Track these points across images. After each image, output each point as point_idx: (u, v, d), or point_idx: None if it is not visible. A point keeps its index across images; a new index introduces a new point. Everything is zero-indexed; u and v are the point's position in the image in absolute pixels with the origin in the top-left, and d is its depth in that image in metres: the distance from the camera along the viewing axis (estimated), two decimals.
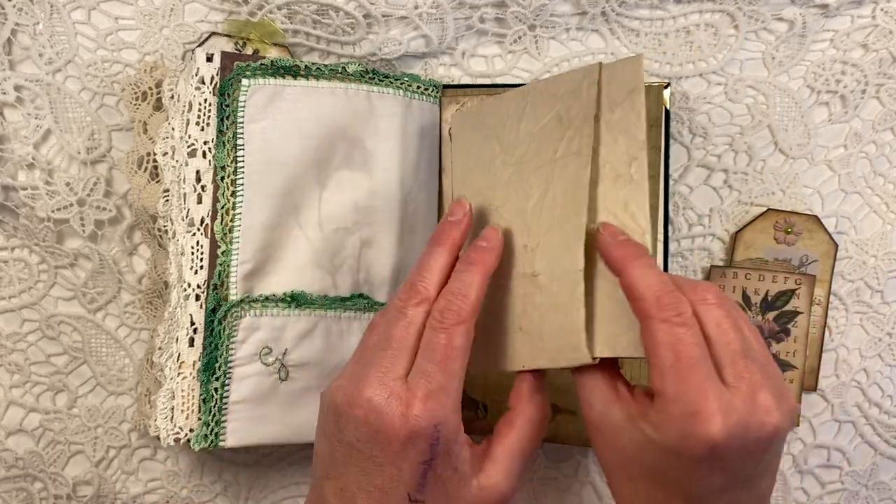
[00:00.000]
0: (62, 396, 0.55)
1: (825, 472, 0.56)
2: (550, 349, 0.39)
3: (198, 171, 0.48)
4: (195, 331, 0.47)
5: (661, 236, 0.51)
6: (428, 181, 0.52)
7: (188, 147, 0.48)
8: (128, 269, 0.53)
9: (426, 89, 0.51)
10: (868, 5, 0.51)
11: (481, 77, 0.53)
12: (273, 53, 0.50)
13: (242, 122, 0.47)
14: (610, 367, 0.38)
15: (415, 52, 0.51)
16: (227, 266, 0.47)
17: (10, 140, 0.51)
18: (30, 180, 0.51)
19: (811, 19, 0.52)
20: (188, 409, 0.47)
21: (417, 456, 0.36)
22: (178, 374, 0.47)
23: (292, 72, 0.48)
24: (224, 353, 0.47)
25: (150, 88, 0.51)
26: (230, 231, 0.47)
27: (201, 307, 0.47)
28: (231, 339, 0.47)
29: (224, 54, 0.48)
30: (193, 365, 0.47)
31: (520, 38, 0.52)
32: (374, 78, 0.49)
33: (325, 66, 0.49)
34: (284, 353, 0.48)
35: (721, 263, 0.55)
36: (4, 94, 0.50)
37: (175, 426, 0.47)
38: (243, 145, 0.47)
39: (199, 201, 0.48)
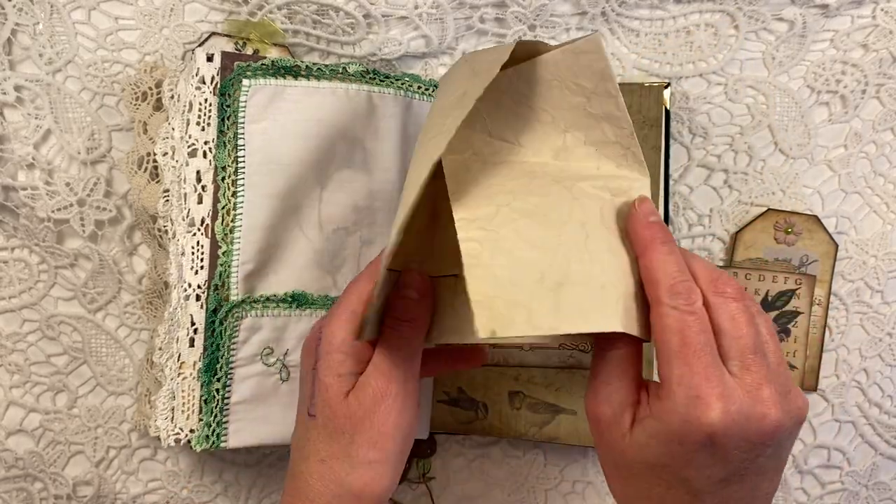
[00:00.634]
0: (62, 396, 0.55)
1: (825, 472, 0.56)
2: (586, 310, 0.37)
3: (198, 172, 0.48)
4: (195, 331, 0.47)
5: None
6: None
7: (189, 147, 0.48)
8: (128, 269, 0.53)
9: (426, 89, 0.51)
10: (868, 5, 0.51)
11: None
12: (273, 53, 0.50)
13: (243, 123, 0.47)
14: (639, 371, 0.38)
15: (415, 52, 0.51)
16: (229, 266, 0.47)
17: (10, 140, 0.51)
18: (30, 180, 0.51)
19: (811, 19, 0.52)
20: (188, 409, 0.47)
21: (310, 362, 0.40)
22: (179, 374, 0.47)
23: (293, 72, 0.48)
24: (225, 353, 0.47)
25: (150, 88, 0.50)
26: (231, 231, 0.47)
27: (202, 307, 0.47)
28: (232, 340, 0.47)
29: (224, 54, 0.48)
30: (194, 365, 0.47)
31: (520, 38, 0.52)
32: (374, 78, 0.49)
33: (326, 66, 0.49)
34: (286, 354, 0.48)
35: (721, 263, 0.55)
36: (4, 94, 0.50)
37: (175, 426, 0.47)
38: (244, 145, 0.47)
39: (200, 201, 0.48)
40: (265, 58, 0.48)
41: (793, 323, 0.54)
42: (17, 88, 0.50)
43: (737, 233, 0.54)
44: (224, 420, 0.47)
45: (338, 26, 0.50)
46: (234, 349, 0.47)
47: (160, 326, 0.50)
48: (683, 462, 0.34)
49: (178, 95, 0.49)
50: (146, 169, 0.51)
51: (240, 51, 0.50)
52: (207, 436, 0.47)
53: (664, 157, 0.52)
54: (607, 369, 0.37)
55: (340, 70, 0.49)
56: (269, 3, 0.49)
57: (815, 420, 0.56)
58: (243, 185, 0.47)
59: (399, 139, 0.50)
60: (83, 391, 0.54)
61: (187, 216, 0.48)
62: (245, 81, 0.47)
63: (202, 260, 0.47)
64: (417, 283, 0.40)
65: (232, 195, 0.47)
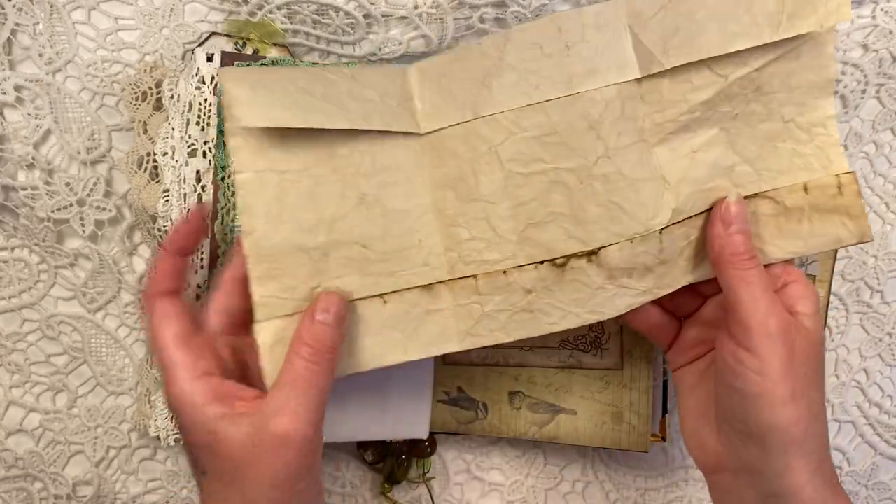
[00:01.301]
0: (62, 396, 0.55)
1: None
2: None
3: (198, 172, 0.48)
4: None
5: None
6: None
7: (188, 147, 0.48)
8: (128, 269, 0.53)
9: None
10: (868, 5, 0.51)
11: None
12: (273, 53, 0.50)
13: None
14: None
15: (415, 52, 0.51)
16: None
17: (10, 140, 0.51)
18: (30, 180, 0.51)
19: None
20: None
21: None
22: None
23: None
24: None
25: (150, 88, 0.50)
26: (231, 231, 0.47)
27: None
28: None
29: (224, 54, 0.48)
30: None
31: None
32: None
33: (326, 66, 0.49)
34: None
35: None
36: (4, 94, 0.50)
37: (175, 426, 0.47)
38: None
39: (200, 201, 0.48)
40: (265, 58, 0.48)
41: None
42: (17, 88, 0.50)
43: None
44: None
45: (338, 26, 0.50)
46: None
47: None
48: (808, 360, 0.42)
49: (178, 95, 0.49)
50: (146, 169, 0.51)
51: (240, 51, 0.50)
52: None
53: None
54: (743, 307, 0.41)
55: None
56: (269, 2, 0.49)
57: None
58: None
59: None
60: (83, 391, 0.55)
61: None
62: None
63: (202, 260, 0.47)
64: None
65: (232, 195, 0.47)
